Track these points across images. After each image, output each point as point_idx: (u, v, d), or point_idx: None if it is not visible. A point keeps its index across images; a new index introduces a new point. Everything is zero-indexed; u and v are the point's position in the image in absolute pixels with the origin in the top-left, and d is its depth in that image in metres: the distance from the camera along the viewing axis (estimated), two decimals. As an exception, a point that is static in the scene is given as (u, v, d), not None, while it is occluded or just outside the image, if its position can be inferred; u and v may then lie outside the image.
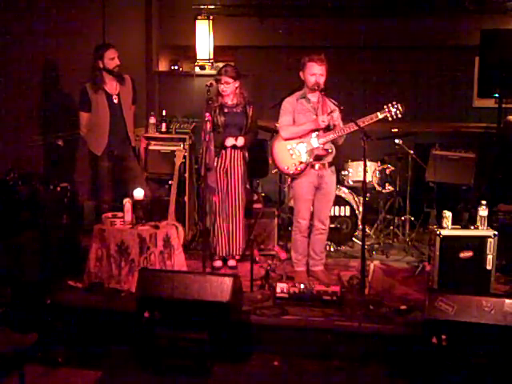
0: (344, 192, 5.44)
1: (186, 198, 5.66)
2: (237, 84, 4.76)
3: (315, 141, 4.42)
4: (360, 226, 5.31)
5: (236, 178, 4.84)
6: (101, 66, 4.81)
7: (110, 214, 4.54)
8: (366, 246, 4.28)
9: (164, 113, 5.90)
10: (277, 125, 4.67)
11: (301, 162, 4.44)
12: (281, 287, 4.14)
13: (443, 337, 3.35)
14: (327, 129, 4.42)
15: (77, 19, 5.48)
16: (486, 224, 4.25)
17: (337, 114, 4.39)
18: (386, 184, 5.53)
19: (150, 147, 5.71)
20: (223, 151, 4.80)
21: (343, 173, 5.57)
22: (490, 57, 5.64)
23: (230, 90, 4.75)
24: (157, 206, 5.06)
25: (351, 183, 5.57)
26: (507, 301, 3.36)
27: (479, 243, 4.18)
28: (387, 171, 5.50)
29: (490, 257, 4.17)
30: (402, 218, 5.72)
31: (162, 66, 7.14)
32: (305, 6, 6.56)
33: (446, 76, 6.57)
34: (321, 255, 4.70)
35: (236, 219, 4.88)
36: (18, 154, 4.83)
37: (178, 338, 3.63)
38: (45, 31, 5.06)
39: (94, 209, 5.40)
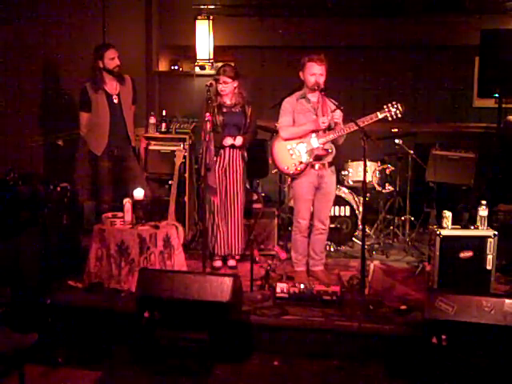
0: (344, 192, 5.44)
1: (186, 198, 5.66)
2: (235, 84, 4.76)
3: (315, 141, 4.42)
4: (360, 226, 5.31)
5: (235, 177, 4.84)
6: (101, 65, 4.82)
7: (109, 214, 4.54)
8: (366, 246, 4.27)
9: (164, 113, 5.90)
10: (277, 125, 4.67)
11: (301, 162, 4.44)
12: (281, 287, 4.14)
13: (443, 337, 3.35)
14: (328, 128, 4.42)
15: (77, 19, 5.49)
16: (485, 224, 4.25)
17: (338, 113, 4.39)
18: (386, 184, 5.53)
19: (150, 147, 5.72)
20: (222, 151, 4.80)
21: (343, 173, 5.57)
22: (490, 57, 5.64)
23: (228, 89, 4.75)
24: (157, 205, 5.06)
25: (351, 183, 5.57)
26: (507, 301, 3.36)
27: (479, 243, 4.18)
28: (387, 171, 5.50)
29: (489, 257, 4.17)
30: (402, 218, 5.72)
31: (162, 66, 7.14)
32: (305, 6, 6.56)
33: (445, 76, 6.57)
34: (321, 255, 4.70)
35: (235, 219, 4.88)
36: (18, 154, 4.84)
37: (178, 337, 3.63)
38: (45, 31, 5.07)
39: (94, 209, 5.40)
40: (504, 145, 5.59)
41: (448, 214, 4.28)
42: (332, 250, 5.36)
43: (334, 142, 4.48)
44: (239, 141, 4.78)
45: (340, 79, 6.09)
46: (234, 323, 3.68)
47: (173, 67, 7.08)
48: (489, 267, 4.17)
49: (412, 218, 5.70)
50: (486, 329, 3.32)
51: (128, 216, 4.42)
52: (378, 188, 5.48)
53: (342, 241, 5.44)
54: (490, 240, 4.17)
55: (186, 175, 5.63)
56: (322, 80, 4.36)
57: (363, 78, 6.64)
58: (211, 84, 4.62)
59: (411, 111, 6.12)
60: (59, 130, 5.26)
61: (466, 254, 4.19)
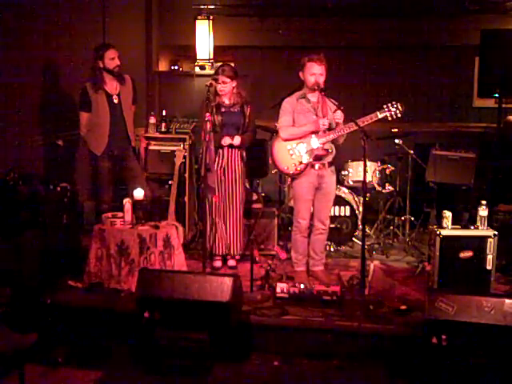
0: (344, 192, 5.43)
1: (186, 198, 5.66)
2: (234, 83, 4.77)
3: (315, 141, 4.42)
4: (360, 226, 5.31)
5: (234, 177, 4.84)
6: (101, 65, 4.81)
7: (109, 214, 4.54)
8: (366, 246, 4.27)
9: (164, 113, 5.90)
10: (276, 125, 4.67)
11: (301, 162, 4.44)
12: (281, 287, 4.14)
13: (443, 337, 3.35)
14: (328, 129, 4.42)
15: (77, 19, 5.49)
16: (485, 224, 4.25)
17: (339, 114, 4.38)
18: (386, 184, 5.53)
19: (150, 147, 5.72)
20: (220, 151, 4.79)
21: (343, 173, 5.57)
22: (490, 57, 5.63)
23: (227, 89, 4.75)
24: (157, 205, 5.06)
25: (351, 183, 5.56)
26: (507, 301, 3.36)
27: (479, 243, 4.18)
28: (387, 171, 5.50)
29: (489, 257, 4.16)
30: (402, 218, 5.72)
31: (162, 66, 7.14)
32: (305, 6, 6.56)
33: (445, 76, 6.57)
34: (321, 255, 4.70)
35: (234, 219, 4.88)
36: (18, 154, 4.84)
37: (178, 337, 3.63)
38: (45, 31, 5.07)
39: (94, 209, 5.40)
40: (504, 145, 5.59)
41: (448, 214, 4.28)
42: (332, 250, 5.37)
43: (334, 141, 4.48)
44: (237, 140, 4.78)
45: (340, 79, 6.10)
46: (234, 323, 3.67)
47: (173, 67, 7.09)
48: (489, 267, 4.17)
49: (412, 218, 5.70)
50: (486, 329, 3.32)
51: (128, 216, 4.41)
52: (378, 188, 5.48)
53: (342, 241, 5.44)
54: (490, 240, 4.16)
55: (186, 175, 5.63)
56: (321, 80, 4.36)
57: (363, 78, 6.64)
58: (211, 84, 4.62)
59: (411, 111, 6.09)
60: (59, 130, 5.26)
61: (465, 254, 4.19)
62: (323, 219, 4.60)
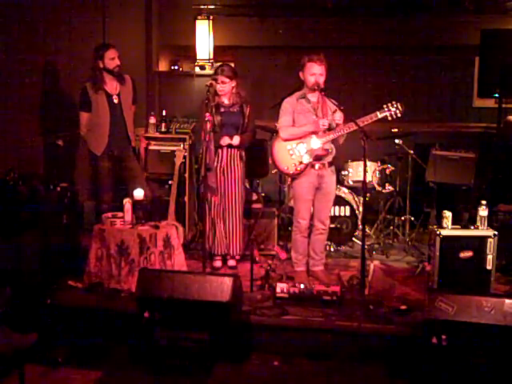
0: (344, 192, 5.43)
1: (186, 198, 5.66)
2: (233, 83, 4.76)
3: (315, 141, 4.42)
4: (360, 226, 5.31)
5: (233, 177, 4.83)
6: (101, 66, 4.81)
7: (109, 214, 4.54)
8: (365, 246, 4.27)
9: (164, 113, 5.90)
10: (276, 125, 4.67)
11: (301, 162, 4.44)
12: (281, 287, 4.14)
13: (443, 337, 3.35)
14: (328, 129, 4.42)
15: (77, 19, 5.49)
16: (485, 224, 4.25)
17: (339, 115, 4.38)
18: (386, 184, 5.53)
19: (150, 147, 5.72)
20: (219, 150, 4.79)
21: (343, 173, 5.57)
22: (490, 57, 5.64)
23: (226, 89, 4.75)
24: (157, 206, 5.06)
25: (351, 183, 5.56)
26: (507, 301, 3.36)
27: (479, 243, 4.18)
28: (387, 171, 5.50)
29: (489, 257, 4.17)
30: (402, 218, 5.72)
31: (162, 66, 7.14)
32: (305, 6, 6.56)
33: (445, 76, 6.57)
34: (321, 255, 4.70)
35: (234, 219, 4.88)
36: (18, 154, 4.84)
37: (178, 337, 3.63)
38: (45, 31, 5.07)
39: (94, 209, 5.40)
40: (504, 145, 5.59)
41: (448, 214, 4.28)
42: (332, 250, 5.37)
43: (334, 141, 4.48)
44: (236, 140, 4.77)
45: (340, 79, 6.09)
46: (234, 323, 3.67)
47: (173, 67, 7.09)
48: (489, 267, 4.17)
49: (412, 218, 5.70)
50: (486, 329, 3.32)
51: (128, 216, 4.41)
52: (378, 188, 5.48)
53: (342, 241, 5.44)
54: (490, 240, 4.16)
55: (186, 175, 5.63)
56: (321, 80, 4.36)
57: (363, 78, 6.64)
58: (211, 84, 4.62)
59: (411, 111, 6.10)
60: (59, 130, 5.26)
61: (466, 254, 4.19)
62: (323, 219, 4.60)
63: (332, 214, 5.13)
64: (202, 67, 6.74)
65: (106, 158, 4.92)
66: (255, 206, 5.41)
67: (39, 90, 5.18)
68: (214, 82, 4.67)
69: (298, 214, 4.58)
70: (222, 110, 4.79)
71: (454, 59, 6.53)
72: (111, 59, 4.81)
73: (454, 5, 6.31)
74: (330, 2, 6.41)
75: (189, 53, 6.85)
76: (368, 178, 5.22)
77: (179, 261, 4.45)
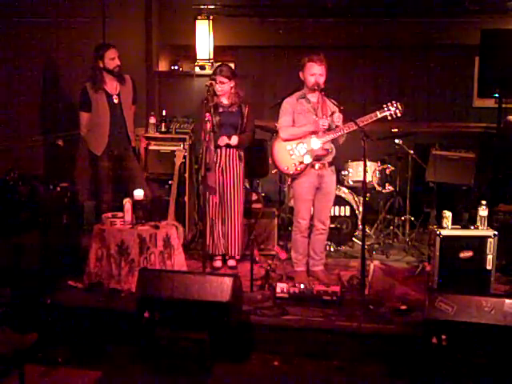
0: (344, 192, 5.44)
1: (186, 198, 5.66)
2: (232, 84, 4.76)
3: (315, 141, 4.42)
4: (360, 226, 5.31)
5: (232, 177, 4.83)
6: (101, 65, 4.81)
7: (109, 214, 4.54)
8: (365, 246, 4.27)
9: (164, 113, 5.90)
10: (276, 125, 4.67)
11: (301, 162, 4.44)
12: (281, 287, 4.14)
13: (443, 337, 3.35)
14: (328, 129, 4.42)
15: (77, 19, 5.48)
16: (485, 224, 4.25)
17: (337, 115, 4.38)
18: (386, 184, 5.53)
19: (150, 147, 5.72)
20: (218, 150, 4.79)
21: (343, 173, 5.57)
22: (490, 57, 5.64)
23: (225, 89, 4.75)
24: (157, 206, 5.06)
25: (351, 183, 5.56)
26: (507, 301, 3.36)
27: (479, 243, 4.18)
28: (387, 171, 5.50)
29: (489, 257, 4.16)
30: (402, 218, 5.72)
31: (162, 66, 7.14)
32: (305, 6, 6.56)
33: (446, 76, 6.57)
34: (321, 255, 4.70)
35: (233, 219, 4.88)
36: (18, 154, 4.83)
37: (178, 337, 3.63)
38: (45, 31, 5.06)
39: (94, 209, 5.40)
40: (504, 145, 5.60)
41: (448, 213, 4.28)
42: (332, 250, 5.37)
43: (334, 141, 4.48)
44: (234, 140, 4.77)
45: (340, 79, 6.09)
46: (234, 323, 3.67)
47: (173, 67, 7.08)
48: (489, 267, 4.17)
49: (412, 218, 5.70)
50: (486, 329, 3.32)
51: (128, 216, 4.41)
52: (378, 188, 5.48)
53: (342, 241, 5.44)
54: (490, 240, 4.16)
55: (186, 175, 5.63)
56: (321, 80, 4.36)
57: (363, 78, 6.64)
58: (211, 84, 4.62)
59: (411, 111, 6.12)
60: (59, 130, 5.26)
61: (466, 254, 4.19)
62: (323, 219, 4.61)
63: (332, 214, 5.13)
64: (202, 67, 6.74)
65: (106, 158, 4.92)
66: (255, 206, 5.41)
67: (39, 90, 5.17)
68: (213, 82, 4.67)
69: (298, 213, 4.59)
70: (221, 110, 4.79)
71: (454, 59, 6.53)
72: (111, 59, 4.81)
73: (454, 5, 6.31)
74: (330, 1, 6.41)
75: (189, 53, 6.85)
76: (368, 178, 5.22)
77: (179, 261, 4.45)
